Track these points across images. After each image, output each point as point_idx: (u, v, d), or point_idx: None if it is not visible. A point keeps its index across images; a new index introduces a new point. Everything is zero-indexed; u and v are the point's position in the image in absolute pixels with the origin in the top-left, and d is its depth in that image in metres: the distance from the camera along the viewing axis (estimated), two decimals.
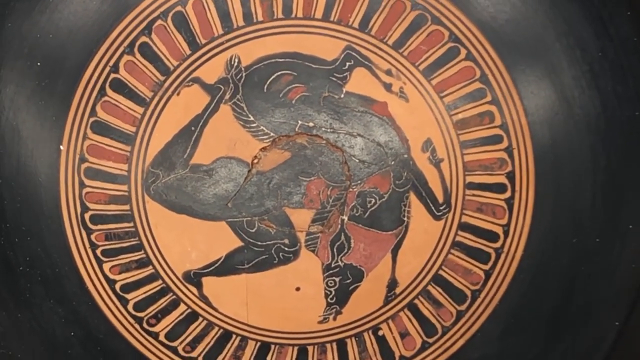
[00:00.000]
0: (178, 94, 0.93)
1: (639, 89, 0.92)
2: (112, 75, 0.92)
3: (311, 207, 0.94)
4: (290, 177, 0.94)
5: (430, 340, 0.97)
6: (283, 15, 0.92)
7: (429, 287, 0.96)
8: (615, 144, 0.93)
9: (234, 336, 0.96)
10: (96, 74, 0.92)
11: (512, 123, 0.93)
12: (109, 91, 0.92)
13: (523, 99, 0.93)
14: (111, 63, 0.92)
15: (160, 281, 0.95)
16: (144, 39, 0.92)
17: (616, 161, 0.93)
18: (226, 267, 0.95)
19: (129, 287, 0.95)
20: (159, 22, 0.92)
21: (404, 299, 0.96)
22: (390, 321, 0.97)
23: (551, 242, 0.95)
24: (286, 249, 0.94)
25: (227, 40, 0.92)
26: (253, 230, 0.94)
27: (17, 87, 0.92)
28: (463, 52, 0.93)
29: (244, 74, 0.92)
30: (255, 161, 0.93)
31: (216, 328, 0.96)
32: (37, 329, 0.95)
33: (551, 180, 0.94)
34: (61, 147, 0.93)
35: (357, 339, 0.97)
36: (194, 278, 0.95)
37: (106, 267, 0.94)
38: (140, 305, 0.95)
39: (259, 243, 0.94)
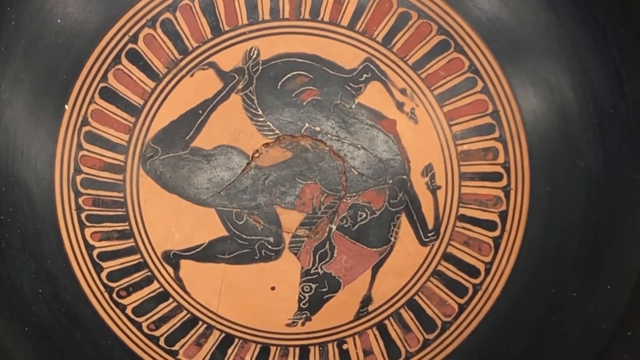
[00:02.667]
0: (192, 76, 0.96)
1: None
2: (130, 46, 0.96)
3: (302, 210, 0.98)
4: (287, 177, 0.97)
5: None
6: (310, 17, 0.96)
7: (402, 311, 1.00)
8: (611, 202, 0.97)
9: (200, 323, 1.00)
10: (114, 41, 0.95)
11: (514, 163, 0.97)
12: (124, 60, 0.96)
13: (529, 141, 0.97)
14: (131, 33, 0.95)
15: (138, 255, 0.98)
16: (168, 15, 0.95)
17: (608, 219, 0.97)
18: (207, 254, 0.98)
19: (106, 256, 0.99)
20: (186, 1, 0.95)
21: (374, 317, 1.00)
22: (356, 337, 1.01)
23: (530, 288, 0.99)
24: (269, 246, 0.98)
25: (250, 32, 0.95)
26: (240, 223, 0.98)
27: (33, 40, 0.96)
28: (480, 84, 0.97)
29: (260, 67, 0.96)
30: (256, 155, 0.97)
31: (184, 312, 1.00)
32: (6, 279, 0.98)
33: (542, 226, 0.98)
34: (66, 106, 0.96)
35: (320, 348, 1.01)
36: (172, 259, 0.98)
37: (88, 232, 0.98)
38: (114, 276, 0.99)
39: (244, 236, 0.98)
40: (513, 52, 0.96)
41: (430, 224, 0.98)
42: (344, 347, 1.01)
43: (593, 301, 0.98)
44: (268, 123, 0.97)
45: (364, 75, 0.96)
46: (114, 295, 0.99)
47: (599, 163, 0.97)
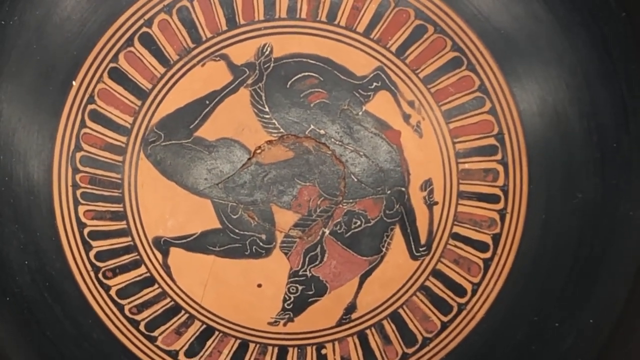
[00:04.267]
0: (203, 65, 0.97)
1: None
2: (144, 29, 0.97)
3: (297, 211, 0.99)
4: (286, 176, 0.99)
5: None
6: (326, 19, 0.97)
7: (384, 322, 1.02)
8: (603, 237, 0.99)
9: (182, 312, 1.02)
10: (129, 23, 0.97)
11: (513, 187, 0.99)
12: (136, 43, 0.97)
13: (530, 166, 0.99)
14: (146, 17, 0.97)
15: (129, 238, 1.00)
16: (184, 2, 0.97)
17: (599, 254, 0.99)
18: (198, 244, 1.00)
19: (97, 235, 1.00)
20: None
21: (356, 325, 1.02)
22: (336, 343, 1.03)
23: (513, 313, 1.01)
24: (261, 244, 1.00)
25: (265, 28, 0.97)
26: (235, 217, 0.99)
27: (48, 13, 0.97)
28: (488, 105, 0.98)
29: (272, 65, 0.97)
30: (258, 151, 0.99)
31: (168, 299, 1.01)
32: None
33: (533, 254, 1.00)
34: (74, 82, 0.97)
35: (299, 350, 1.03)
36: (162, 245, 1.00)
37: (81, 209, 0.99)
38: (102, 256, 1.00)
39: (237, 231, 0.99)
40: (524, 77, 0.98)
41: (423, 239, 1.00)
42: (323, 351, 1.03)
43: (574, 333, 1.00)
44: (273, 121, 0.98)
45: (374, 84, 0.98)
46: (100, 275, 1.01)
47: (596, 196, 0.98)
